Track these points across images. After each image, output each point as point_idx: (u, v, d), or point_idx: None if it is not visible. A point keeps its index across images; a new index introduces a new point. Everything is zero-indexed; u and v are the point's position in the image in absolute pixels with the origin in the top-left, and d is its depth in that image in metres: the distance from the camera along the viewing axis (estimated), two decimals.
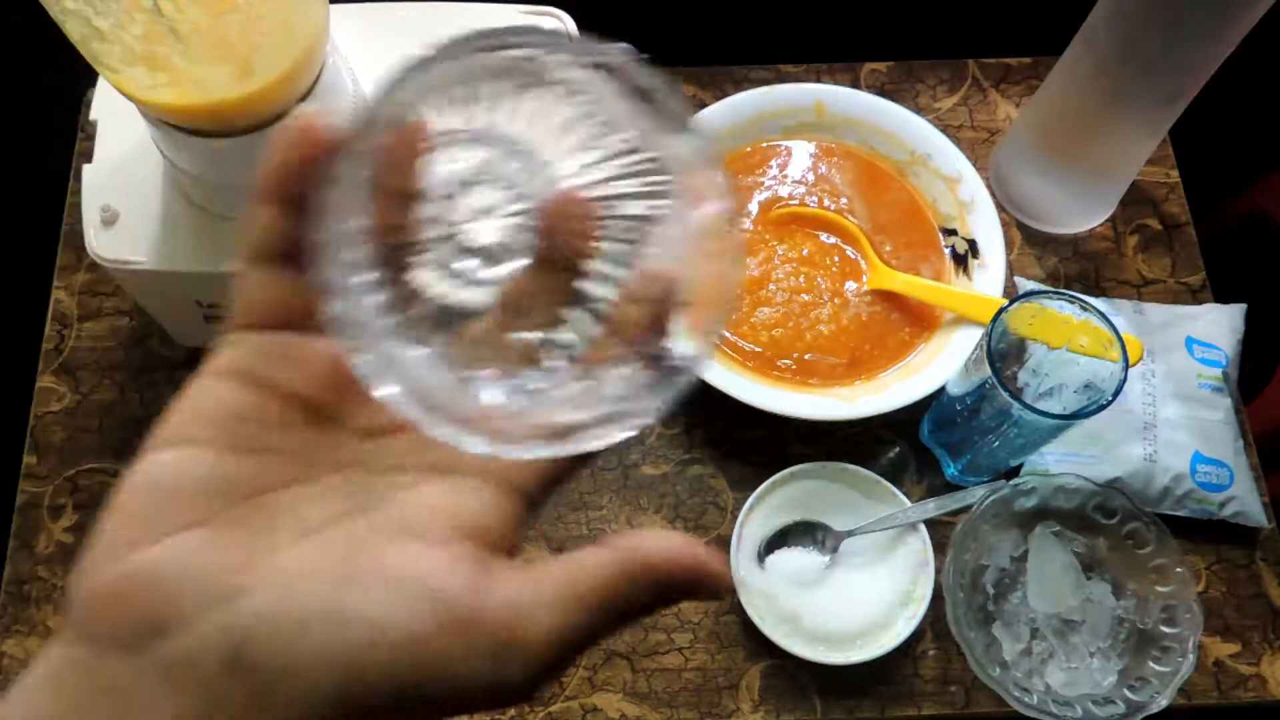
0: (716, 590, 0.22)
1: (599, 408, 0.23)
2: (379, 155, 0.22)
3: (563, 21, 0.59)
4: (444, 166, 0.23)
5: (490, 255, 0.24)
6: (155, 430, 0.21)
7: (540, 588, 0.21)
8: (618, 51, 0.22)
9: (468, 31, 0.21)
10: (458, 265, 0.24)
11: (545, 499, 0.23)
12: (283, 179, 0.21)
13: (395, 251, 0.23)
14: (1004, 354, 0.57)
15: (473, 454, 0.22)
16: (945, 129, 0.69)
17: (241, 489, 0.21)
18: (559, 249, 0.23)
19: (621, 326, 0.24)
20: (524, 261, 0.24)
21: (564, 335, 0.24)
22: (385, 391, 0.21)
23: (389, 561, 0.20)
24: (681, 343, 0.23)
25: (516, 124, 0.24)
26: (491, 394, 0.23)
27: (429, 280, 0.23)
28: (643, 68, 0.22)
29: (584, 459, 0.23)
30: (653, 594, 0.22)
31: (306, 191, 0.20)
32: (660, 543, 0.22)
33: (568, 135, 0.24)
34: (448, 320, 0.24)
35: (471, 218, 0.24)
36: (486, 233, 0.24)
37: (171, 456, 0.21)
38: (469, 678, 0.20)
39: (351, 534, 0.21)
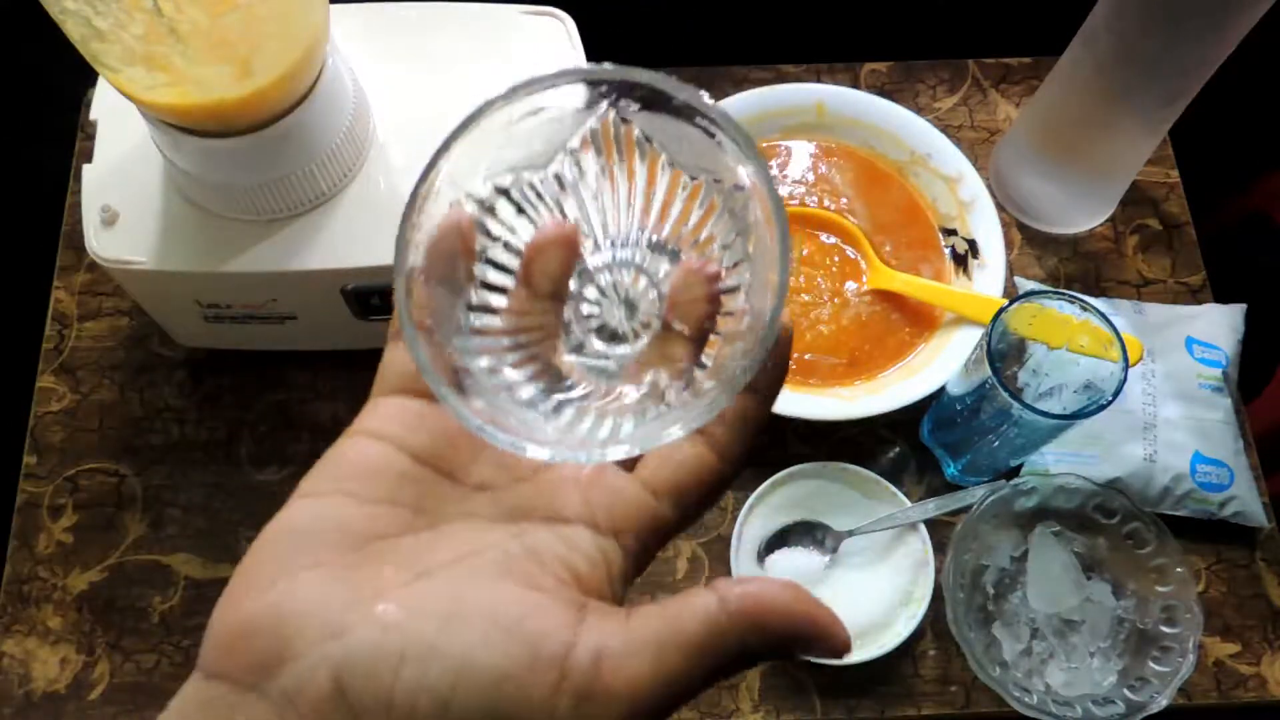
0: (834, 648, 0.22)
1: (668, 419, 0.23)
2: (529, 253, 0.25)
3: (563, 22, 0.59)
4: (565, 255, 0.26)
5: (617, 335, 0.26)
6: (302, 482, 0.24)
7: (634, 634, 0.21)
8: (652, 80, 0.23)
9: (502, 92, 0.23)
10: (588, 346, 0.26)
11: (645, 549, 0.24)
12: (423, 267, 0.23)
13: (526, 333, 0.25)
14: (1004, 354, 0.57)
15: (578, 504, 0.23)
16: (945, 129, 0.69)
17: (365, 535, 0.22)
18: (683, 322, 0.25)
19: (720, 369, 0.24)
20: (650, 336, 0.26)
21: (672, 389, 0.25)
22: (501, 439, 0.22)
23: (489, 601, 0.21)
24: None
25: (604, 196, 0.26)
26: (586, 426, 0.25)
27: (565, 361, 0.26)
28: (678, 84, 0.23)
29: (685, 520, 0.24)
30: (764, 648, 0.21)
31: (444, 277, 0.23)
32: (773, 594, 0.21)
33: (657, 196, 0.26)
34: (567, 391, 0.25)
35: (596, 303, 0.26)
36: (614, 315, 0.26)
37: (311, 505, 0.23)
38: (552, 717, 0.20)
39: (458, 577, 0.22)
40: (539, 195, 0.25)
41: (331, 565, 0.22)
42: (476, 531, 0.23)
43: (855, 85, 0.76)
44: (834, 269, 0.68)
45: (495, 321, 0.25)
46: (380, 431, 0.24)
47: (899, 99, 0.71)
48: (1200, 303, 0.70)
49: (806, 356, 0.65)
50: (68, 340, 0.67)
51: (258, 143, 0.49)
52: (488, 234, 0.25)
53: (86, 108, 0.56)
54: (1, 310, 0.78)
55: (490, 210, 0.24)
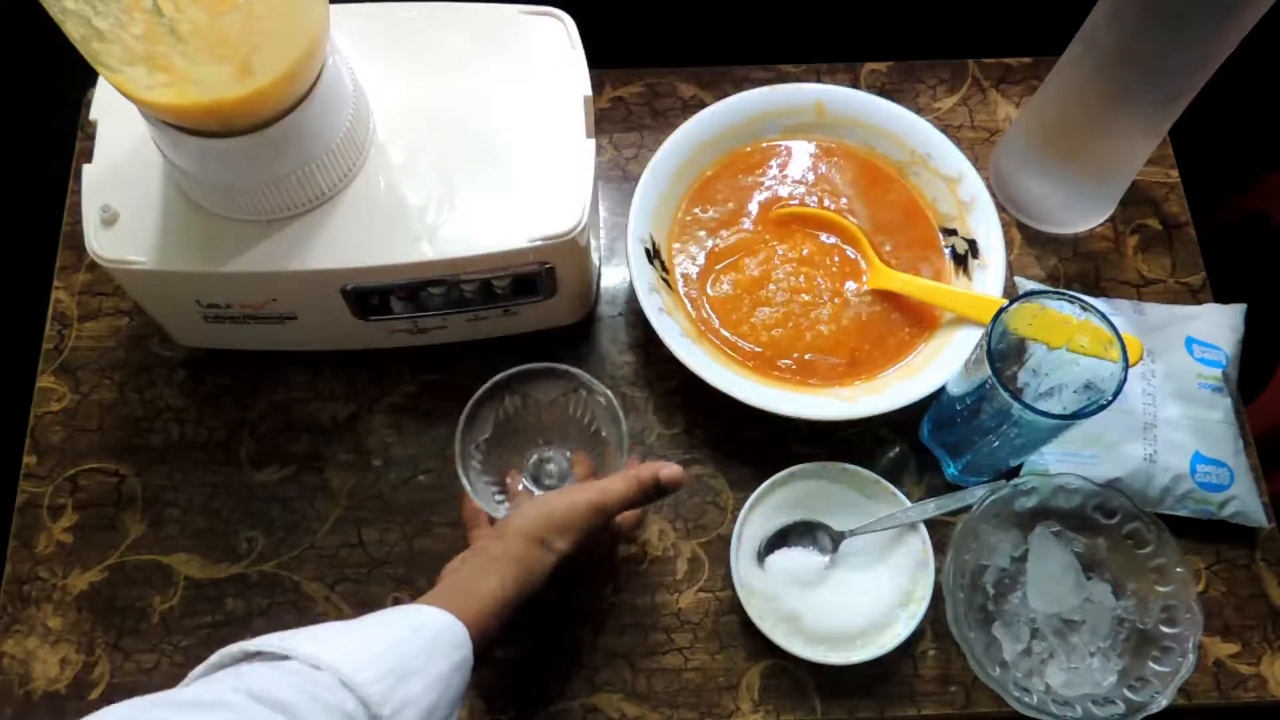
0: (673, 479, 0.53)
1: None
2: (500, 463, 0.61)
3: (563, 22, 0.59)
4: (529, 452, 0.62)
5: (552, 478, 0.61)
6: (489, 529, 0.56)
7: (609, 482, 0.53)
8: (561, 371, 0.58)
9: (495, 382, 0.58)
10: (529, 486, 0.61)
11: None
12: (468, 508, 0.58)
13: (512, 478, 0.61)
14: (1004, 354, 0.57)
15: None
16: (945, 129, 0.69)
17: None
18: (579, 471, 0.61)
19: (602, 473, 0.60)
20: (564, 478, 0.61)
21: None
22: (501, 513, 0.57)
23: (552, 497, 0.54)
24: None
25: (527, 426, 0.61)
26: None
27: (528, 486, 0.61)
28: (552, 364, 0.58)
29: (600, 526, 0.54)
30: (644, 491, 0.53)
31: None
32: (648, 465, 0.54)
33: (566, 414, 0.61)
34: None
35: (541, 466, 0.61)
36: (549, 472, 0.61)
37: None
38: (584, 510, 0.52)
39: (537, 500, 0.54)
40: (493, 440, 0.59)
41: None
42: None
43: (855, 85, 0.76)
44: (834, 269, 0.68)
45: (498, 487, 0.59)
46: (482, 534, 0.55)
47: (899, 99, 0.71)
48: (1200, 303, 0.70)
49: (806, 356, 0.65)
50: (68, 340, 0.67)
51: (258, 143, 0.50)
52: (479, 463, 0.59)
53: (86, 108, 0.56)
54: (1, 310, 0.78)
55: (477, 452, 0.59)
